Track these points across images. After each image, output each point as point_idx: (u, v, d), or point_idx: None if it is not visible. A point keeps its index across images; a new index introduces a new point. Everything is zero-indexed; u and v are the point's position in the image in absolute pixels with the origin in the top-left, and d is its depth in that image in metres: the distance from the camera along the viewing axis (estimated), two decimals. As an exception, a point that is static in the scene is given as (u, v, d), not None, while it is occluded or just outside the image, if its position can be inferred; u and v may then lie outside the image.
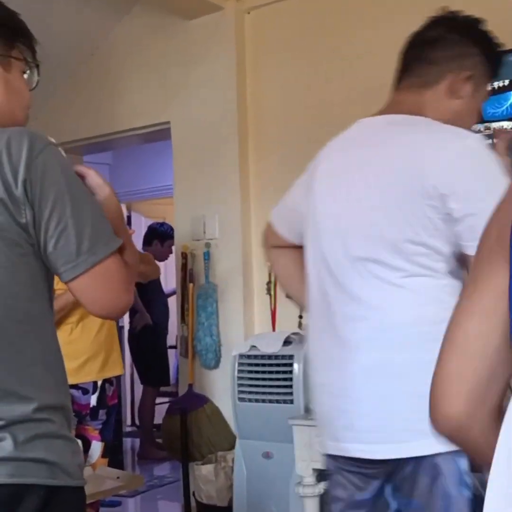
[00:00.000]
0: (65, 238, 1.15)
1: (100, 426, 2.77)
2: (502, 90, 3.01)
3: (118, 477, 2.44)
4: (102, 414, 2.78)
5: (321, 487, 2.82)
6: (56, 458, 1.16)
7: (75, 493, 1.20)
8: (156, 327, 5.42)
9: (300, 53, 3.52)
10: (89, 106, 4.13)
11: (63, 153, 1.23)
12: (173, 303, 4.62)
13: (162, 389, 5.73)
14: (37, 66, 1.35)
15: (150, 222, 6.66)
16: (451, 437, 0.85)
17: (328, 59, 3.43)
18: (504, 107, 3.02)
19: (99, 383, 2.83)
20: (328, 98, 3.42)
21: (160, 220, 5.97)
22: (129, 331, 5.65)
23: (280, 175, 3.57)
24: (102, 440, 2.77)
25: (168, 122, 3.82)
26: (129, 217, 6.64)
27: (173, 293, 4.94)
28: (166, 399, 5.86)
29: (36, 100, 1.42)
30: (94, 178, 1.32)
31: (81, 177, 1.30)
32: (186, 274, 3.75)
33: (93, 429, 2.75)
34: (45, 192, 1.14)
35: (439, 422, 0.83)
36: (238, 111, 3.61)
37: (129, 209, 6.65)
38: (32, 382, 1.16)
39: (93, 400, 2.78)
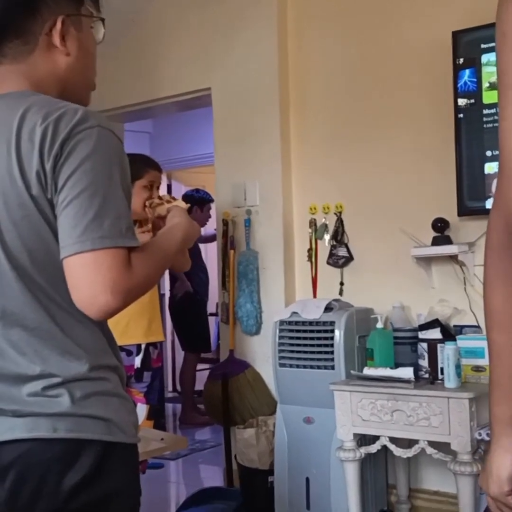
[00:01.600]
0: (72, 216, 1.12)
1: (144, 389, 2.82)
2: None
3: (162, 439, 2.49)
4: (146, 376, 2.83)
5: (362, 451, 2.85)
6: (112, 415, 1.18)
7: (130, 450, 1.22)
8: (196, 294, 5.49)
9: (343, 19, 3.46)
10: (129, 73, 4.13)
11: (117, 138, 1.18)
12: (212, 269, 4.65)
13: (203, 355, 5.80)
14: (102, 19, 1.34)
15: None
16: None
17: (371, 24, 3.37)
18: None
19: (143, 346, 2.88)
20: (371, 65, 3.38)
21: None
22: (170, 298, 5.73)
23: (322, 142, 3.55)
24: (147, 403, 2.82)
25: (209, 88, 3.81)
26: (169, 186, 6.68)
27: (212, 238, 4.97)
28: (207, 366, 5.93)
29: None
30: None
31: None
32: (227, 241, 3.76)
33: (137, 392, 2.80)
34: (68, 167, 1.12)
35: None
36: (280, 76, 3.59)
37: (169, 178, 6.69)
38: (85, 343, 1.19)
39: (137, 362, 2.83)
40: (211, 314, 6.12)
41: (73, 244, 1.11)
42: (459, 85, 3.02)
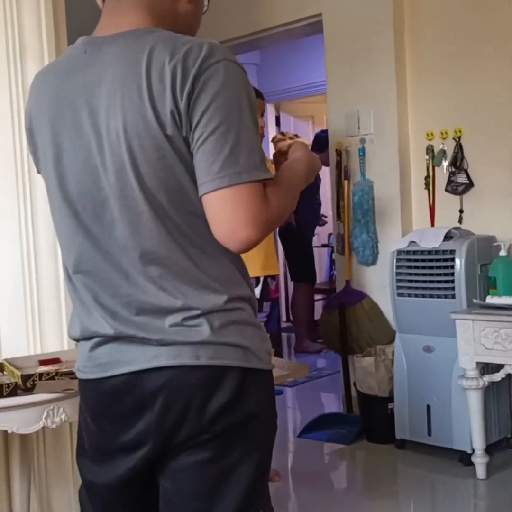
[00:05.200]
0: (208, 153, 1.13)
1: (264, 319, 2.90)
2: None
3: (283, 366, 2.56)
4: (266, 306, 2.90)
5: (486, 380, 2.82)
6: (248, 343, 1.22)
7: (266, 376, 1.27)
8: (299, 228, 5.50)
9: None
10: (237, 4, 4.09)
11: (242, 70, 1.18)
12: (326, 201, 4.64)
13: (319, 286, 5.88)
14: None
15: (298, 121, 6.64)
16: None
17: None
18: None
19: (261, 278, 2.95)
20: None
21: (308, 119, 5.93)
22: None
23: (439, 63, 3.41)
24: (267, 332, 2.90)
25: (319, 15, 3.72)
26: (277, 117, 6.64)
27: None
28: (322, 296, 6.00)
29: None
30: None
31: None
32: (340, 172, 3.73)
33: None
34: (201, 104, 1.12)
35: None
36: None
37: (277, 109, 6.64)
38: (220, 276, 1.22)
39: (256, 293, 2.91)
40: (324, 245, 6.14)
41: (211, 180, 1.13)
42: None
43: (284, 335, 6.09)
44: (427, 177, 3.46)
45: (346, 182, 3.69)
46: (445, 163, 3.40)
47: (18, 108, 2.18)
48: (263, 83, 5.99)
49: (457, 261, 3.00)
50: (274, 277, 3.05)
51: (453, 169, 3.37)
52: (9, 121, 2.19)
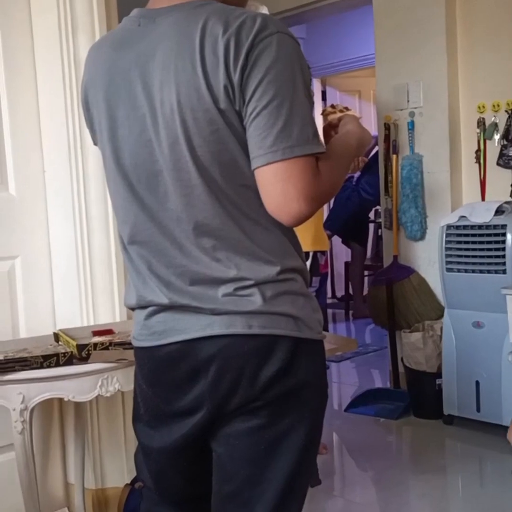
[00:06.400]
0: (261, 127, 1.13)
1: (313, 293, 2.90)
2: None
3: (331, 341, 2.56)
4: (315, 281, 2.90)
5: (537, 356, 2.78)
6: (299, 313, 1.23)
7: (317, 346, 1.28)
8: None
9: None
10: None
11: (296, 43, 1.17)
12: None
13: (367, 263, 5.89)
14: None
15: (345, 96, 6.57)
16: None
17: None
18: None
19: (311, 253, 2.95)
20: None
21: (355, 94, 5.86)
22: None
23: (490, 37, 3.33)
24: (316, 306, 2.90)
25: (368, -14, 3.66)
26: (323, 92, 6.59)
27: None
28: (368, 272, 5.98)
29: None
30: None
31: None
32: (389, 146, 3.69)
33: (307, 296, 2.89)
34: (254, 78, 1.12)
35: None
36: (445, -36, 3.37)
37: (323, 84, 6.59)
38: (272, 248, 1.23)
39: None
40: (370, 221, 6.10)
41: (264, 154, 1.13)
42: None
43: (329, 311, 6.11)
44: (478, 150, 3.40)
45: (394, 156, 3.65)
46: (496, 136, 3.33)
47: (70, 82, 2.22)
48: (309, 58, 5.82)
49: (509, 236, 2.95)
50: (324, 252, 3.04)
51: (505, 143, 3.30)
52: (62, 95, 2.23)
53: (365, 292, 5.78)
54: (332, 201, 5.41)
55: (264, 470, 1.23)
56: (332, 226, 5.23)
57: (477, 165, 3.41)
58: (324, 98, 6.53)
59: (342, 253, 6.39)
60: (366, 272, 5.97)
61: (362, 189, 5.47)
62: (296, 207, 1.14)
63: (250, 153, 1.15)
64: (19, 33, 2.24)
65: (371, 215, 6.04)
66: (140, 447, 1.38)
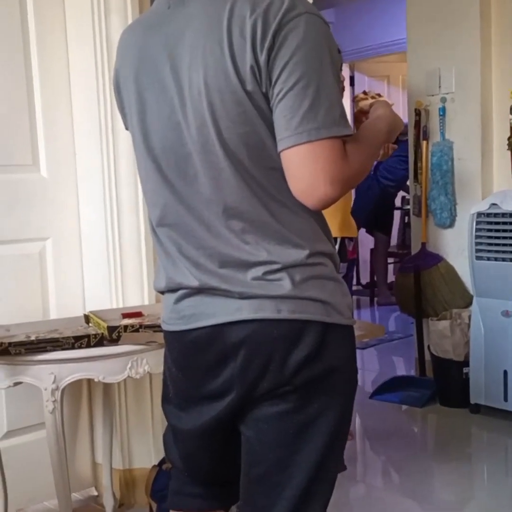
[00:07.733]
0: (287, 109, 1.11)
1: (341, 279, 2.89)
2: None
3: (359, 327, 2.56)
4: (342, 267, 2.88)
5: None
6: (329, 298, 1.22)
7: (347, 331, 1.26)
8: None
9: None
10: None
11: (325, 23, 1.15)
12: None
13: (391, 249, 5.84)
14: None
15: (373, 81, 6.52)
16: None
17: None
18: None
19: (338, 239, 2.93)
20: None
21: (383, 79, 5.80)
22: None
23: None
24: (343, 292, 2.89)
25: (400, -31, 3.61)
26: (352, 77, 6.53)
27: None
28: (394, 260, 5.95)
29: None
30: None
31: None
32: (419, 132, 3.64)
33: (334, 282, 2.87)
34: (281, 59, 1.10)
35: None
36: None
37: (352, 69, 6.53)
38: (301, 232, 1.21)
39: None
40: (396, 208, 6.05)
41: (290, 136, 1.12)
42: None
43: (354, 297, 6.10)
44: (510, 137, 3.35)
45: (424, 142, 3.61)
46: (530, 123, 3.28)
47: (102, 63, 2.22)
48: (338, 42, 5.88)
49: (541, 224, 2.92)
50: (352, 239, 3.02)
51: (539, 129, 3.25)
52: (94, 78, 2.23)
53: (390, 279, 5.77)
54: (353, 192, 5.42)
55: (293, 454, 1.23)
56: (355, 218, 5.23)
57: (509, 152, 3.36)
58: (352, 83, 6.48)
59: (367, 240, 6.35)
60: (391, 260, 5.93)
61: (381, 176, 5.44)
62: (322, 190, 1.13)
63: (276, 136, 1.14)
64: (52, 14, 2.24)
65: (398, 202, 5.99)
66: (169, 428, 1.39)
